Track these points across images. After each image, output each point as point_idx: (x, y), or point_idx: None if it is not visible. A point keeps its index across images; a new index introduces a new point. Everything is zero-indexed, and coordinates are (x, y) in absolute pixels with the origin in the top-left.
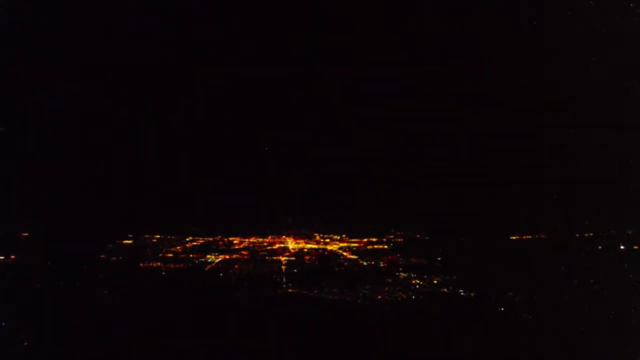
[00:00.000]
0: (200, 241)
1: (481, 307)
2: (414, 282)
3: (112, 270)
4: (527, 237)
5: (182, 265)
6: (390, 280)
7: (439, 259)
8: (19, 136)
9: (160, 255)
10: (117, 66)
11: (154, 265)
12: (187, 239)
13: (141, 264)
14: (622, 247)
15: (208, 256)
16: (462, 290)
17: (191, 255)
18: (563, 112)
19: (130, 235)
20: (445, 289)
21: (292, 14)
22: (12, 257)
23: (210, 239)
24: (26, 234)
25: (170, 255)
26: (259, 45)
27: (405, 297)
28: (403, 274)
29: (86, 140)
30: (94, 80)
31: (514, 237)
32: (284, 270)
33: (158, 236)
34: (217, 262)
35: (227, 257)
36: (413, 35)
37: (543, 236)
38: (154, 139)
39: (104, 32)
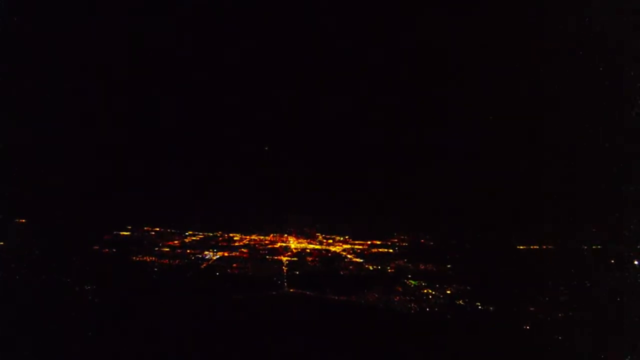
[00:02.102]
0: (200, 236)
1: (504, 324)
2: (425, 291)
3: (102, 263)
4: (535, 247)
5: (177, 261)
6: (400, 289)
7: (449, 266)
8: (20, 125)
9: (157, 249)
10: (119, 62)
11: (148, 259)
12: (187, 233)
13: (134, 258)
14: (636, 263)
15: (206, 252)
16: (479, 304)
17: (188, 251)
18: (574, 117)
19: (129, 227)
20: (461, 301)
21: (293, 13)
22: (1, 243)
23: (210, 234)
24: (23, 221)
25: (167, 249)
26: (261, 45)
27: (418, 309)
28: (412, 282)
29: (90, 133)
30: (96, 74)
31: (521, 247)
32: (285, 271)
33: (157, 229)
34: (215, 260)
35: (225, 254)
36: (415, 35)
37: (550, 247)
38: (160, 133)
39: (104, 31)
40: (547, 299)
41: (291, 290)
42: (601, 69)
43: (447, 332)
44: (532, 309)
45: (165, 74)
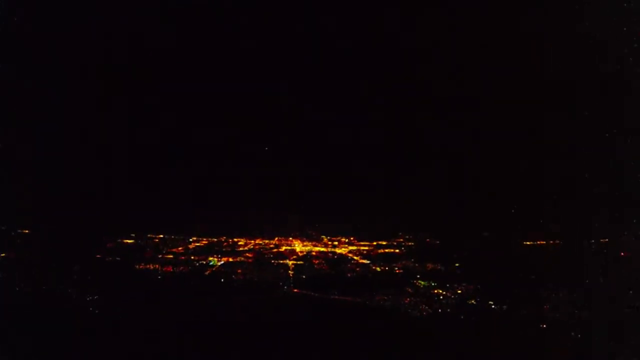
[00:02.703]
0: (204, 242)
1: (520, 324)
2: (435, 291)
3: (104, 272)
4: (541, 242)
5: (181, 268)
6: (410, 290)
7: (457, 265)
8: (24, 132)
9: (160, 256)
10: (119, 65)
11: (151, 267)
12: (191, 239)
13: (137, 266)
14: None
15: (210, 258)
16: (492, 302)
17: (192, 257)
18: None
19: (133, 235)
20: (473, 301)
21: (293, 13)
22: (2, 254)
23: (215, 239)
24: (26, 231)
25: (171, 256)
26: (261, 44)
27: (430, 310)
28: (422, 282)
29: (92, 137)
30: (97, 78)
31: (527, 243)
32: (291, 276)
33: (161, 235)
34: (219, 266)
35: (230, 259)
36: (415, 35)
37: (557, 242)
38: (162, 136)
39: (104, 31)
40: (560, 296)
41: (295, 290)
42: (602, 68)
43: (461, 333)
44: (546, 307)
45: (166, 77)
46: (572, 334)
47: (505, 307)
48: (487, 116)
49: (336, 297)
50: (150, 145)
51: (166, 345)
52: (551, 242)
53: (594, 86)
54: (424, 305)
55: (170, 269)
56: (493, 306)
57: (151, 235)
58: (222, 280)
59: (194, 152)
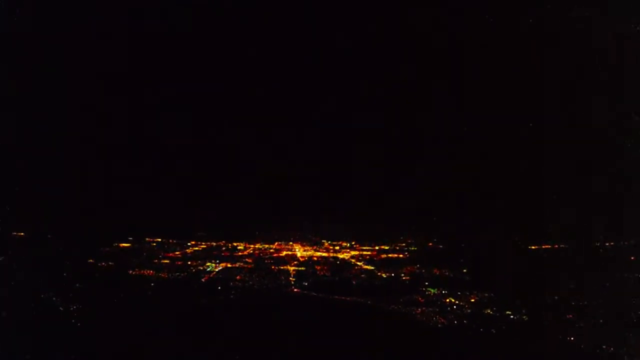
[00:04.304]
0: (203, 246)
1: (545, 336)
2: (447, 300)
3: (95, 278)
4: (547, 246)
5: (176, 274)
6: (421, 299)
7: (464, 270)
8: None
9: (156, 261)
10: (118, 64)
11: (145, 273)
12: (189, 244)
13: (131, 272)
14: None
15: (208, 264)
16: (510, 312)
17: (189, 263)
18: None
19: (131, 238)
20: (489, 310)
21: (292, 13)
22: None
23: (214, 243)
24: (21, 234)
25: (167, 261)
26: (260, 45)
27: (445, 322)
28: (432, 290)
29: (90, 139)
30: (94, 79)
31: (533, 247)
32: (292, 282)
33: (159, 239)
34: (217, 272)
35: (228, 265)
36: (414, 34)
37: (563, 246)
38: (161, 138)
39: (104, 31)
40: (582, 303)
41: (295, 290)
42: (602, 68)
43: (485, 347)
44: (569, 316)
45: (165, 77)
46: (604, 347)
47: (525, 317)
48: (487, 116)
49: (344, 307)
50: (150, 147)
51: (159, 354)
52: (556, 245)
53: (594, 86)
54: (438, 316)
55: (165, 275)
56: (512, 316)
57: (149, 239)
58: (220, 287)
59: (193, 153)
